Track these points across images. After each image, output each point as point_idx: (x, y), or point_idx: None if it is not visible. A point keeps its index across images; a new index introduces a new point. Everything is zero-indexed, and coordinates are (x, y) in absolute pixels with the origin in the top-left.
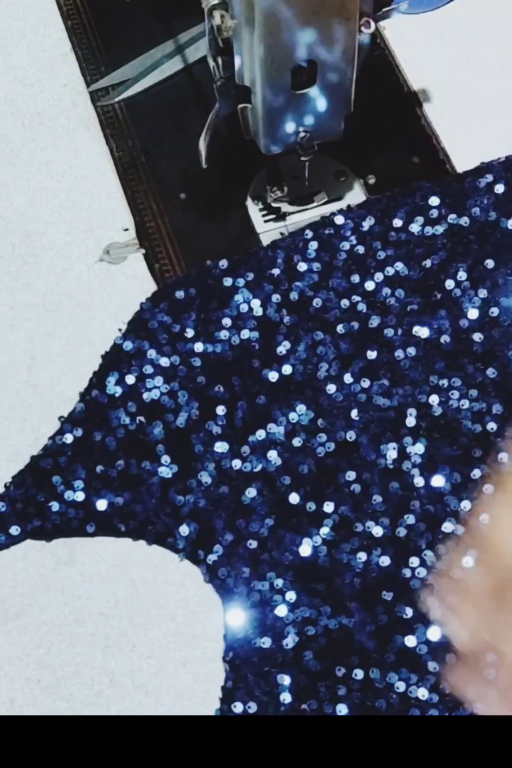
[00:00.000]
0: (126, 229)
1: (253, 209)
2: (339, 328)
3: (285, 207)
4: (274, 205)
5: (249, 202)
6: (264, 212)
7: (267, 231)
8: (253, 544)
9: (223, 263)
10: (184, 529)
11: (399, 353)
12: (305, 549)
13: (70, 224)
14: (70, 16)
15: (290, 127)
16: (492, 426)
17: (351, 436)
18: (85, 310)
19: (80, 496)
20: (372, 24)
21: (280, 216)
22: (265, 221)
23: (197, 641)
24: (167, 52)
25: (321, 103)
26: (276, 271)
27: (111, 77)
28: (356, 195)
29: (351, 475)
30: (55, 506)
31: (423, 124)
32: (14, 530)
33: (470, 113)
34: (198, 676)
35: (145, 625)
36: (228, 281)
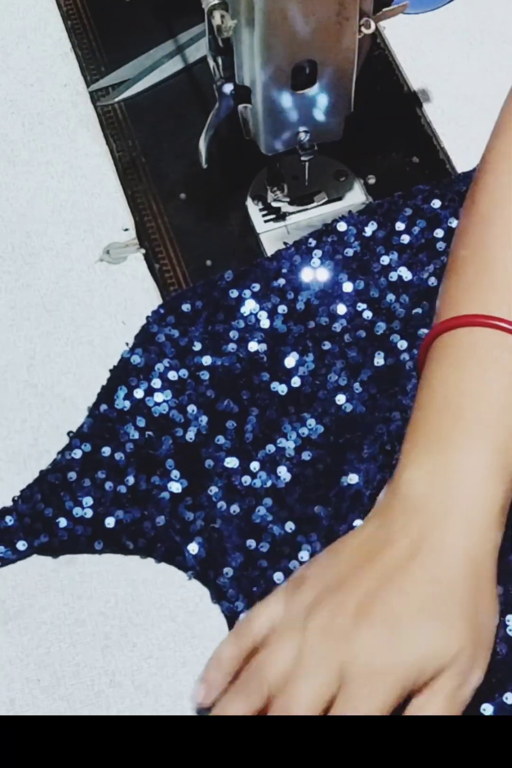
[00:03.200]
0: (126, 229)
1: (253, 209)
2: (346, 337)
3: (285, 207)
4: (274, 205)
5: (249, 202)
6: (265, 212)
7: (268, 231)
8: (263, 563)
9: (229, 275)
10: (193, 548)
11: (404, 356)
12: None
13: (70, 224)
14: (70, 16)
15: (290, 127)
16: None
17: (361, 447)
18: (85, 310)
19: (89, 513)
20: (372, 24)
21: (280, 216)
22: (265, 221)
23: (197, 641)
24: (167, 52)
25: (321, 103)
26: (281, 282)
27: (111, 77)
28: (356, 195)
29: (365, 489)
30: (62, 522)
31: (423, 124)
32: (21, 545)
33: (470, 113)
34: (198, 676)
35: (145, 625)
36: (234, 293)
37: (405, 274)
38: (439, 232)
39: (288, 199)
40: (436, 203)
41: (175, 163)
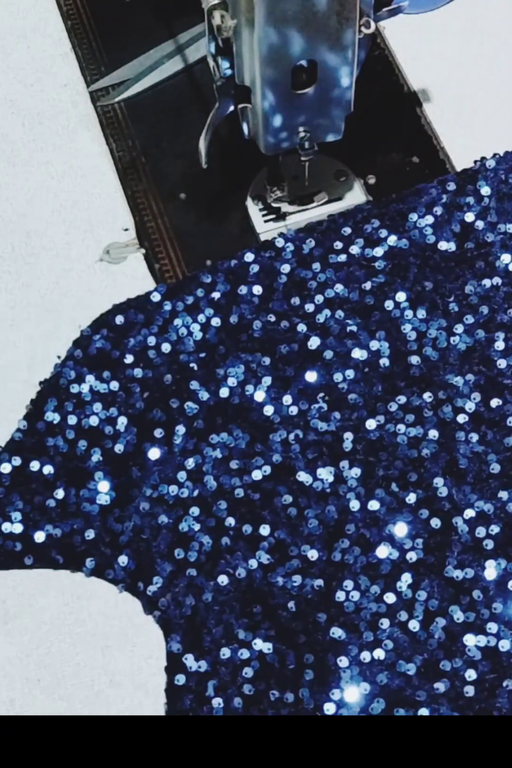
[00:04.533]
0: (126, 229)
1: (253, 209)
2: (279, 351)
3: (285, 207)
4: (274, 205)
5: (249, 202)
6: (265, 212)
7: (267, 231)
8: (192, 572)
9: (162, 288)
10: (122, 559)
11: (337, 376)
12: (241, 572)
13: (70, 224)
14: (70, 16)
15: (290, 127)
16: (426, 452)
17: (287, 459)
18: (85, 310)
19: (18, 528)
20: (372, 24)
21: (280, 216)
22: (265, 221)
23: None
24: (167, 52)
25: (321, 103)
26: (216, 295)
27: (111, 77)
28: (356, 195)
29: (287, 499)
30: None
31: (423, 124)
32: None
33: (470, 113)
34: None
35: (145, 625)
36: (167, 306)
37: (341, 291)
38: (378, 251)
39: (288, 199)
40: (375, 223)
41: (175, 163)
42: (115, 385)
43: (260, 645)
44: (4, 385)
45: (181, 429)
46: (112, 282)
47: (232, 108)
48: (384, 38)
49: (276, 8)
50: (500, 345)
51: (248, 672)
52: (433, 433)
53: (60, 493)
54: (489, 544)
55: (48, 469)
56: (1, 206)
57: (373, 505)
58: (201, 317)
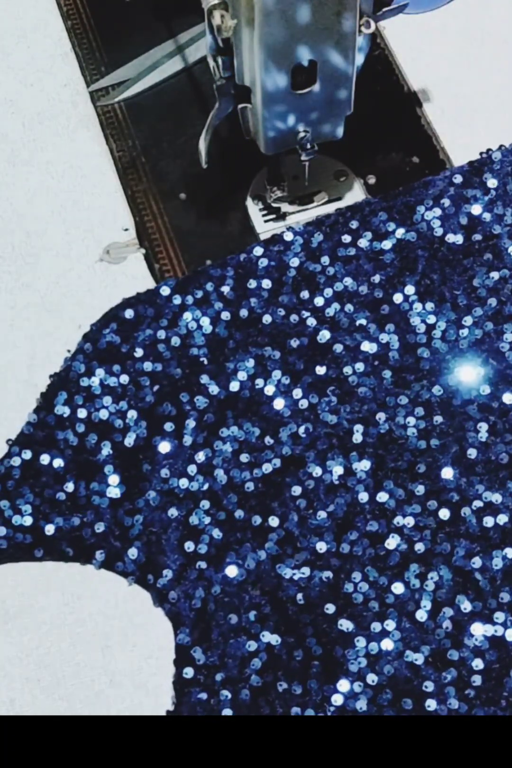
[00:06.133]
0: (126, 229)
1: (253, 209)
2: (289, 344)
3: (285, 207)
4: (274, 205)
5: (249, 202)
6: (264, 212)
7: (267, 231)
8: (202, 564)
9: (171, 282)
10: (132, 552)
11: (347, 370)
12: (250, 563)
13: (70, 224)
14: (70, 16)
15: (290, 127)
16: (435, 443)
17: (297, 452)
18: (85, 310)
19: (28, 521)
20: (372, 24)
21: (280, 216)
22: (265, 221)
23: None
24: (167, 52)
25: (321, 103)
26: (225, 289)
27: (111, 77)
28: (356, 195)
29: (296, 491)
30: (2, 531)
31: (423, 124)
32: None
33: (470, 113)
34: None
35: (145, 625)
36: (177, 299)
37: (350, 284)
38: (386, 244)
39: (288, 199)
40: (383, 216)
41: (175, 163)
42: (124, 379)
43: (268, 637)
44: (4, 385)
45: (191, 423)
46: (112, 282)
47: (231, 108)
48: (384, 38)
49: (276, 8)
50: (509, 336)
51: (256, 663)
52: (442, 425)
53: (70, 486)
54: (497, 534)
55: (58, 463)
56: (1, 206)
57: (382, 496)
58: (210, 311)
